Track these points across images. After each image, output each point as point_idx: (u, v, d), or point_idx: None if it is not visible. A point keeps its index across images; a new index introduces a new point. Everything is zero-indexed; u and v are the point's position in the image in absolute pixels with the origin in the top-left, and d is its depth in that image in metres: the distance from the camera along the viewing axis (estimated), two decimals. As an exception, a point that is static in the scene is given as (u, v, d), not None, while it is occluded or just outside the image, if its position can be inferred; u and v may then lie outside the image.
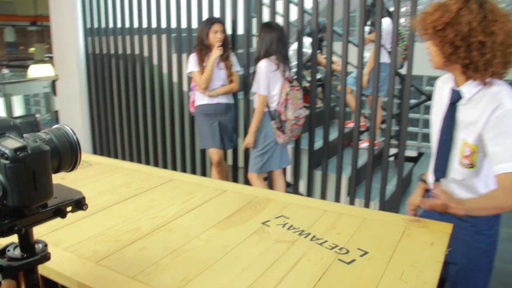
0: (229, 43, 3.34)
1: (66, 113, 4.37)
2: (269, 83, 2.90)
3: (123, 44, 3.96)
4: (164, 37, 3.81)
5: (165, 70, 3.86)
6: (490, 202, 1.31)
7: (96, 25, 4.12)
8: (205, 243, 1.14)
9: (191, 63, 3.27)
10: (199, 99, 3.33)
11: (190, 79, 3.64)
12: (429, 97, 3.84)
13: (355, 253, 1.09)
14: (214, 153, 3.36)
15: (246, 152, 3.52)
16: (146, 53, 3.92)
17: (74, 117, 4.29)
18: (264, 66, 2.88)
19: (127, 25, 3.93)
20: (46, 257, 0.77)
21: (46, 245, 0.78)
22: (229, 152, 3.63)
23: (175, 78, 3.80)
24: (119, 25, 3.98)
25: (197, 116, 3.37)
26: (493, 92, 1.35)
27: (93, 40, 4.15)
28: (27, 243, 0.77)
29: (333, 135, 3.44)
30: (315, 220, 1.27)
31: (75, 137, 0.75)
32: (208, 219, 1.29)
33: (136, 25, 3.89)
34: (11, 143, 0.65)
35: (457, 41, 1.33)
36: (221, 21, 3.26)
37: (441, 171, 1.53)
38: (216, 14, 3.54)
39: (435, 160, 1.55)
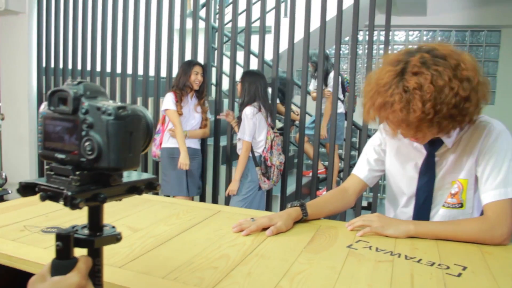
0: (206, 88, 3.38)
1: (11, 155, 4.00)
2: (255, 129, 2.96)
3: (82, 85, 3.80)
4: (128, 80, 3.73)
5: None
6: (469, 233, 1.28)
7: (52, 65, 3.92)
8: (310, 266, 1.12)
9: (167, 101, 3.21)
10: (166, 141, 3.26)
11: (155, 121, 3.57)
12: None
13: (456, 268, 1.13)
14: None
15: (213, 199, 3.47)
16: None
17: (20, 159, 3.94)
18: (250, 113, 2.95)
19: (88, 67, 3.81)
20: (119, 237, 0.75)
21: (114, 227, 0.77)
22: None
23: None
24: (79, 66, 3.83)
25: (163, 159, 3.28)
26: (475, 125, 1.34)
27: (48, 80, 3.92)
28: (97, 221, 0.74)
29: (293, 186, 3.53)
30: (392, 243, 1.31)
31: (151, 118, 0.75)
32: (291, 245, 1.26)
33: (98, 68, 3.78)
34: (110, 103, 0.65)
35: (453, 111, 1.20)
36: (201, 64, 3.31)
37: None
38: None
39: None
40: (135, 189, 0.74)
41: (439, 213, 1.44)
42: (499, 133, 1.32)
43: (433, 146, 1.40)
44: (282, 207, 3.34)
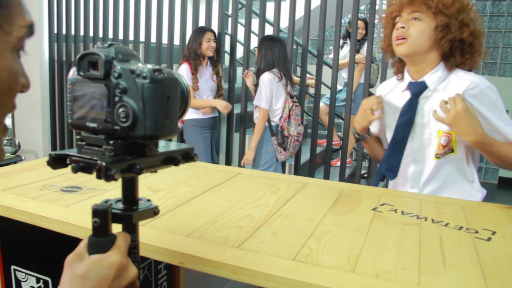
0: (220, 55, 3.33)
1: (24, 122, 4.00)
2: (272, 96, 2.89)
3: (95, 52, 3.78)
4: (141, 47, 3.68)
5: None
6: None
7: (64, 31, 3.87)
8: (336, 227, 1.10)
9: (183, 75, 3.19)
10: (190, 112, 3.24)
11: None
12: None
13: (485, 232, 1.11)
14: None
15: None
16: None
17: (33, 126, 3.94)
18: (267, 79, 2.86)
19: (100, 34, 3.75)
20: (156, 211, 0.72)
21: (149, 200, 0.73)
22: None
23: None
24: (91, 33, 3.79)
25: (188, 129, 3.26)
26: (459, 75, 1.39)
27: (60, 46, 3.88)
28: (132, 195, 0.70)
29: (307, 155, 3.51)
30: (418, 207, 1.28)
31: (186, 83, 0.70)
32: (315, 207, 1.24)
33: (111, 35, 3.73)
34: (144, 66, 0.59)
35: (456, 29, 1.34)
36: (212, 30, 3.25)
37: (394, 171, 1.48)
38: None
39: (386, 159, 1.50)
40: (171, 159, 0.70)
41: (432, 164, 1.45)
42: (488, 87, 1.35)
43: (417, 89, 1.44)
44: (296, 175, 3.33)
